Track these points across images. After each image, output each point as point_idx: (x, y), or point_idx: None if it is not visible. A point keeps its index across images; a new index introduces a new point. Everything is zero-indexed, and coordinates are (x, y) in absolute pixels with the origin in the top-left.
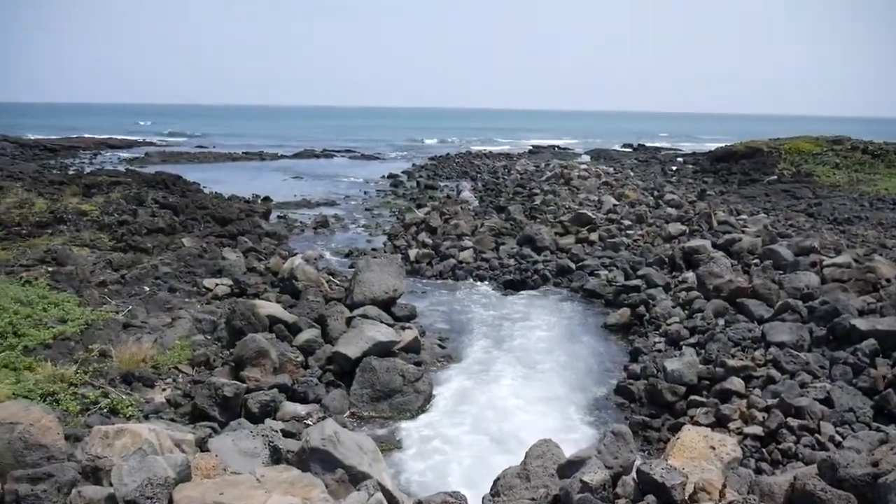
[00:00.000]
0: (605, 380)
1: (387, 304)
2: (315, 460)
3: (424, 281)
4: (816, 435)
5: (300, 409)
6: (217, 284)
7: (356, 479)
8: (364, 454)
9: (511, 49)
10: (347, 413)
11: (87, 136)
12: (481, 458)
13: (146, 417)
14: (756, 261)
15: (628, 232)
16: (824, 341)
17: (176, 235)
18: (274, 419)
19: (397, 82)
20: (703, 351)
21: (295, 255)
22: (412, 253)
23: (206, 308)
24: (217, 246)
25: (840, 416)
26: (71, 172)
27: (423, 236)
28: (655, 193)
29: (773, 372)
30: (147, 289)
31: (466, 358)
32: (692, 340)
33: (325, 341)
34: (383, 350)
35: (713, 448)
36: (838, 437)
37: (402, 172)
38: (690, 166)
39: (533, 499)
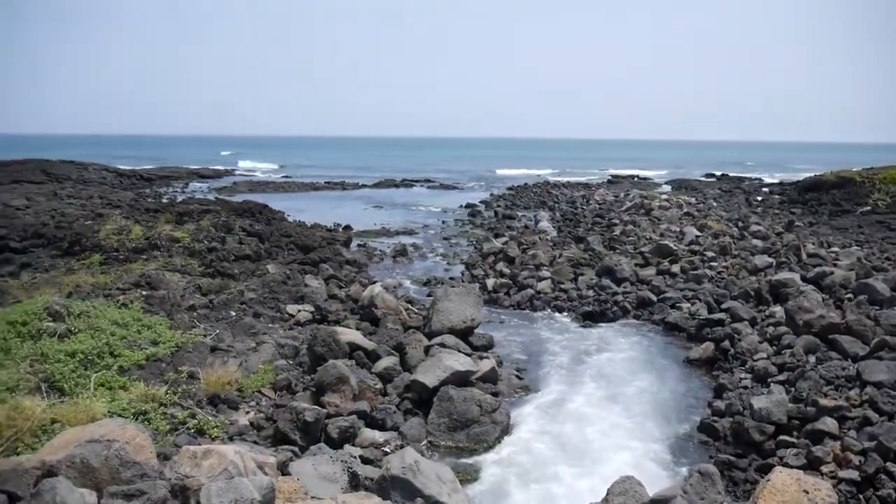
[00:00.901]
0: (688, 416)
1: (465, 334)
2: (395, 488)
3: (502, 311)
4: None
5: (378, 436)
6: (299, 310)
7: None
8: (443, 484)
9: (590, 79)
10: (425, 442)
11: (181, 166)
12: (560, 494)
13: (230, 439)
14: (849, 295)
15: (711, 264)
16: None
17: (261, 262)
18: (353, 445)
19: (475, 113)
20: (792, 389)
21: (375, 282)
22: (490, 282)
23: (288, 333)
24: (300, 273)
25: None
26: (164, 201)
27: (501, 266)
28: (740, 224)
29: (870, 413)
30: (233, 313)
31: (544, 389)
32: (781, 378)
33: (403, 369)
34: (461, 379)
35: (806, 492)
36: None
37: (480, 202)
38: (777, 196)
39: None
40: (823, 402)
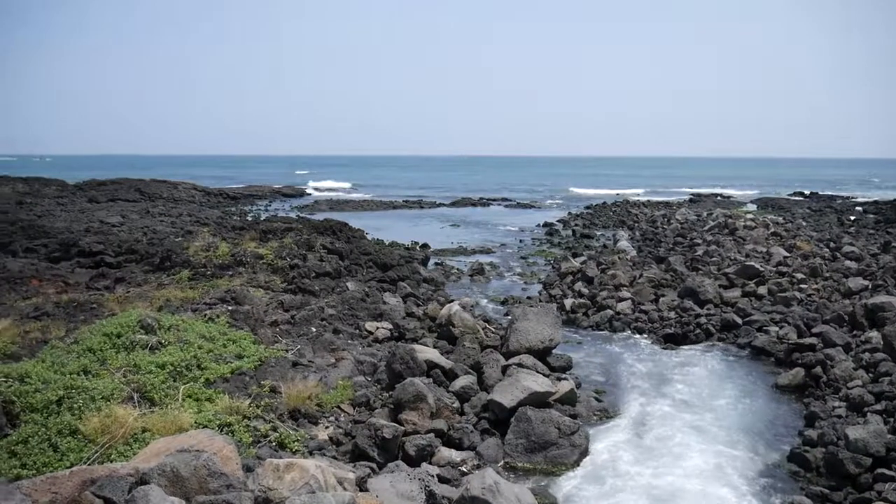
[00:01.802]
0: (777, 445)
1: (542, 354)
2: None
3: (580, 331)
4: None
5: (455, 455)
6: (378, 328)
7: None
8: None
9: (676, 94)
10: (502, 463)
11: (265, 184)
12: None
13: (310, 453)
14: None
15: (801, 286)
16: None
17: (341, 279)
18: (430, 463)
19: (554, 132)
20: (891, 419)
21: (452, 301)
22: (568, 302)
23: (367, 350)
24: (378, 290)
25: None
26: (249, 219)
27: (580, 286)
28: (832, 245)
29: None
30: (314, 329)
31: (624, 413)
32: (878, 407)
33: (480, 388)
34: (539, 400)
35: None
36: None
37: (558, 221)
38: (871, 216)
39: None
40: None
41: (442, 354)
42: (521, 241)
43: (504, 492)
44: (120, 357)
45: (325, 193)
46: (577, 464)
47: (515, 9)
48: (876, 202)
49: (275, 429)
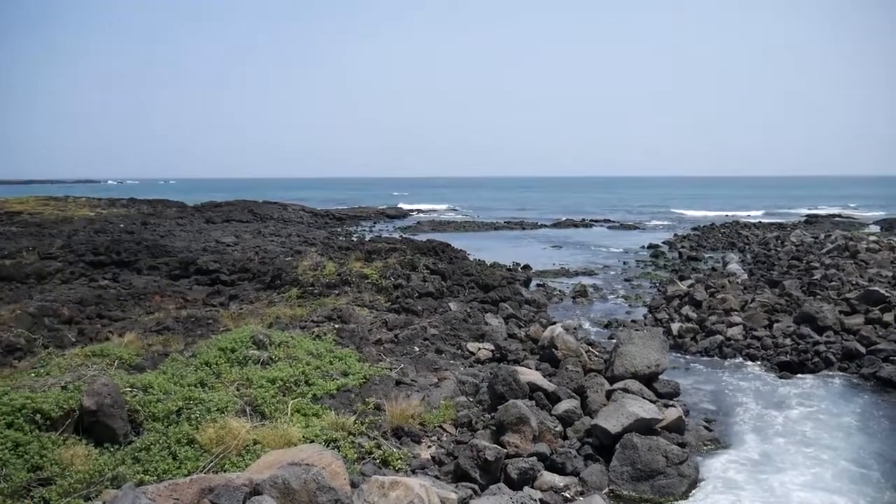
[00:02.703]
0: None
1: (649, 380)
2: None
3: (688, 357)
4: None
5: (558, 479)
6: (480, 348)
7: None
8: None
9: (782, 110)
10: (606, 490)
11: (370, 206)
12: None
13: (413, 472)
14: None
15: None
16: None
17: (443, 300)
18: (532, 487)
19: (663, 150)
20: None
21: (554, 323)
22: (675, 327)
23: (469, 371)
24: (480, 311)
25: None
26: (354, 239)
27: (687, 310)
28: None
29: None
30: (417, 349)
31: (736, 444)
32: None
33: (583, 413)
34: (645, 427)
35: None
36: None
37: (663, 242)
38: None
39: None
40: None
41: (544, 377)
42: (625, 262)
43: None
44: (234, 371)
45: (428, 215)
46: (685, 495)
47: (621, 29)
48: None
49: (378, 446)
